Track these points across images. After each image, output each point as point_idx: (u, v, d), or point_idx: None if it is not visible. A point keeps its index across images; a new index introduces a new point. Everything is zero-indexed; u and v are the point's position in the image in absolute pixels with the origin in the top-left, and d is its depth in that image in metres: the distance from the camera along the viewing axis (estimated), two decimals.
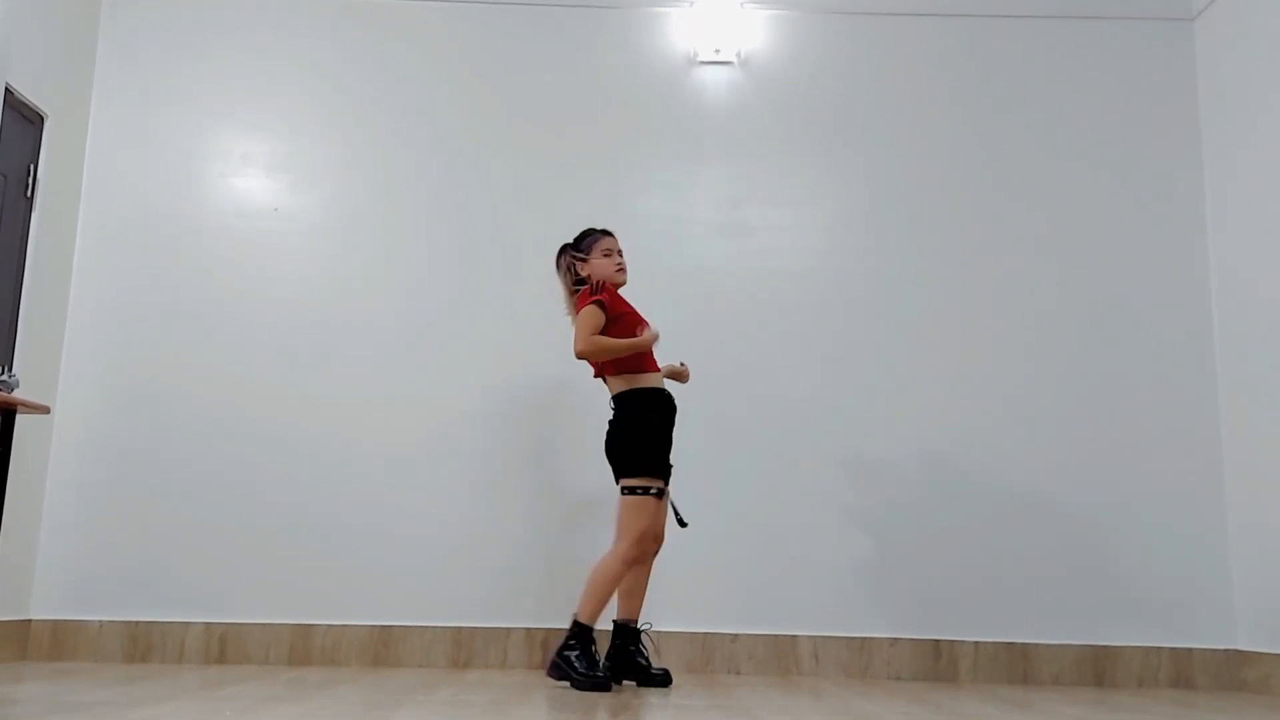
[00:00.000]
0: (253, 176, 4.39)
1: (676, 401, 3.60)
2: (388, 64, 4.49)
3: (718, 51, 4.48)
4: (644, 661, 3.56)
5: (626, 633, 3.57)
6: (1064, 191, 4.40)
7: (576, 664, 3.38)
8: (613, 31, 4.52)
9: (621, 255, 3.68)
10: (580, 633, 3.42)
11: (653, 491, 3.44)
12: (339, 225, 4.37)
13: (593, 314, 3.47)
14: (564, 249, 3.72)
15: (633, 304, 3.70)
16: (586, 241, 3.67)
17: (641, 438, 3.47)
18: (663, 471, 3.49)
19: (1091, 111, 4.45)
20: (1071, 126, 4.44)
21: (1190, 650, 4.05)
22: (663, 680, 3.51)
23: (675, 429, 3.58)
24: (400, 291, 4.32)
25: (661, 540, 3.56)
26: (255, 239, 4.34)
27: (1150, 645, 4.05)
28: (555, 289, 4.12)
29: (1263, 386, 3.98)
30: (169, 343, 4.24)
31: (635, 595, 3.57)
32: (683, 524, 3.53)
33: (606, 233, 3.70)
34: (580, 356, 3.48)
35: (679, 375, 3.76)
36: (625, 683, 3.54)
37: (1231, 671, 4.02)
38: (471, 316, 4.30)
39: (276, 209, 4.37)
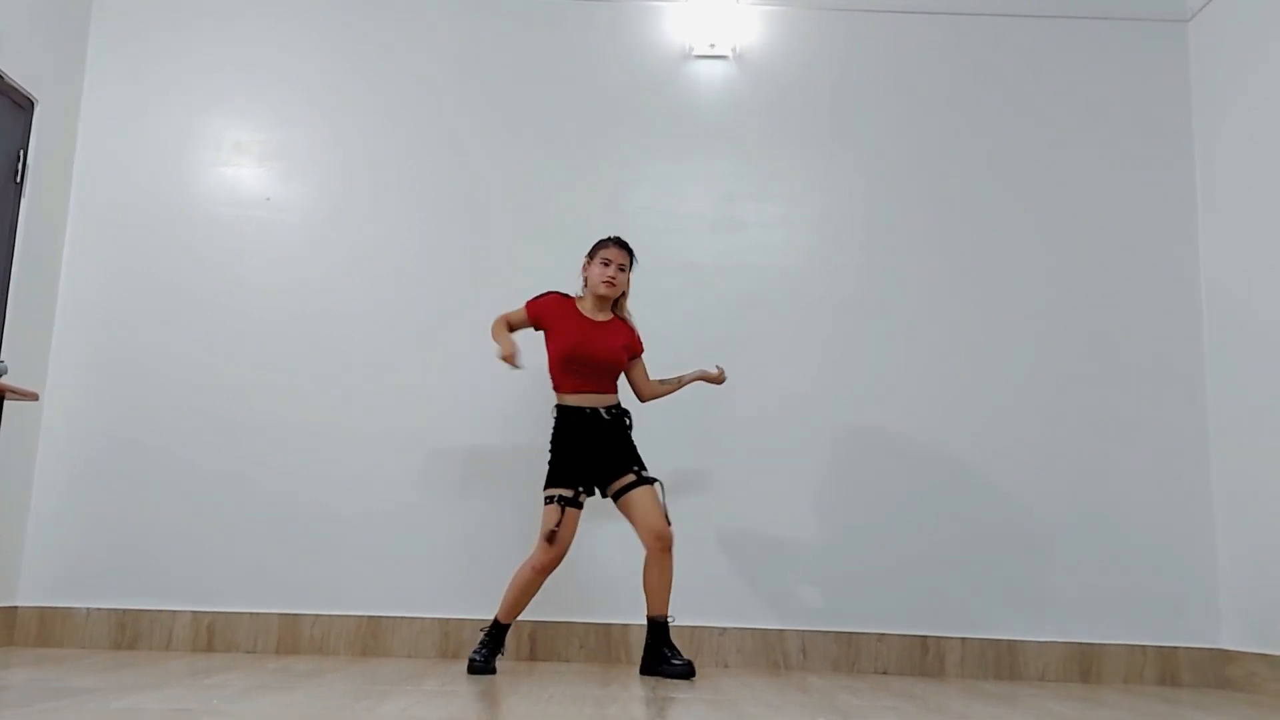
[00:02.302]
0: (244, 165, 4.38)
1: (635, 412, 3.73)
2: (382, 56, 4.47)
3: (713, 46, 4.48)
4: (667, 652, 3.57)
5: (657, 627, 3.59)
6: (1056, 191, 4.41)
7: (476, 650, 3.58)
8: (608, 25, 4.51)
9: (622, 270, 3.72)
10: (493, 628, 3.62)
11: (555, 499, 3.55)
12: (331, 215, 4.36)
13: (517, 310, 3.74)
14: None
15: (627, 301, 3.73)
16: (597, 245, 3.77)
17: (552, 452, 3.64)
18: (565, 481, 3.56)
19: (1085, 112, 4.46)
20: (1064, 126, 4.45)
21: (1176, 648, 4.07)
22: (683, 672, 3.53)
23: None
24: (392, 282, 4.31)
25: (666, 534, 3.54)
26: (246, 228, 4.33)
27: (1136, 643, 4.07)
28: (547, 281, 4.14)
29: (1250, 388, 4.00)
30: (158, 331, 4.23)
31: (657, 591, 3.58)
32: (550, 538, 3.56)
33: (615, 242, 3.75)
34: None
35: (712, 379, 3.81)
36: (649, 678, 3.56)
37: (1216, 670, 4.04)
38: (463, 308, 4.28)
39: (268, 198, 4.36)
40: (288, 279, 4.29)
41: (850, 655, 4.06)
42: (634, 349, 3.77)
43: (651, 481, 3.61)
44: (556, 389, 3.71)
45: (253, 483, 4.14)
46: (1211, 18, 4.37)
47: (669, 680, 3.49)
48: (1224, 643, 4.06)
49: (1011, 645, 4.07)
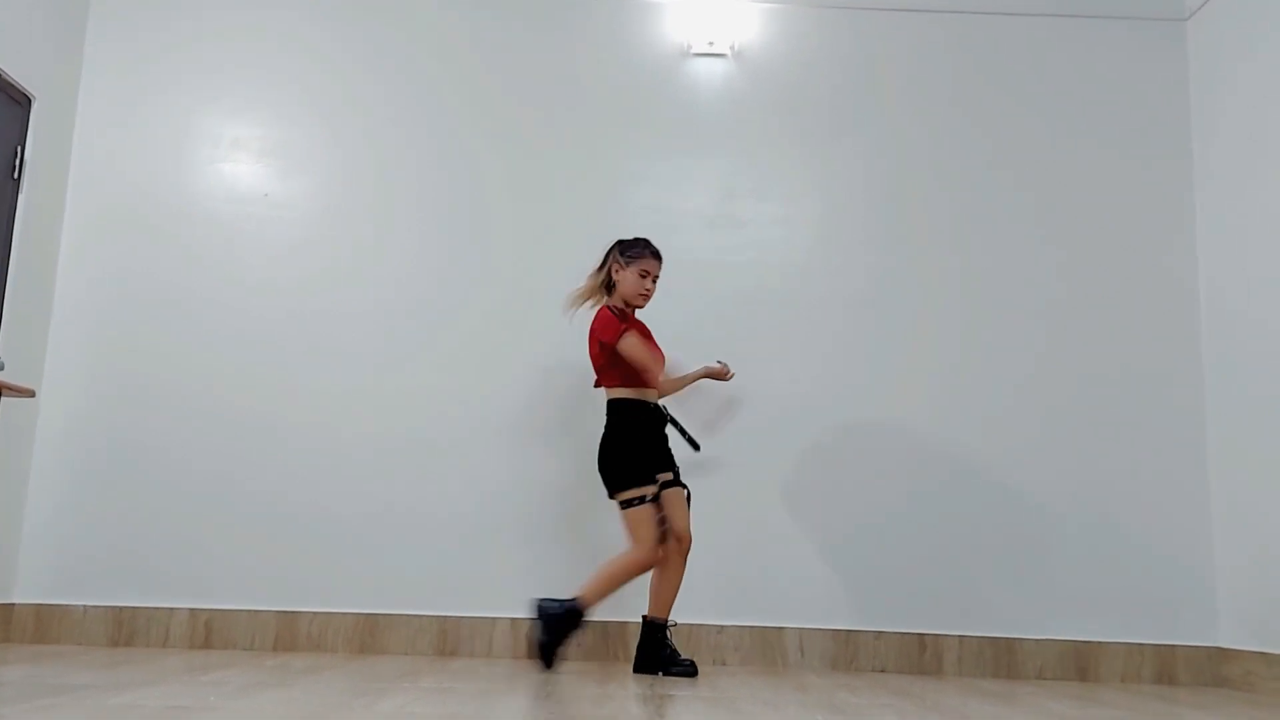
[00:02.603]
0: (243, 162, 4.37)
1: (667, 410, 3.74)
2: (380, 53, 4.47)
3: (711, 44, 4.47)
4: (669, 652, 3.60)
5: (654, 628, 3.61)
6: (1055, 190, 4.41)
7: (549, 632, 3.42)
8: (606, 22, 4.51)
9: (655, 283, 3.72)
10: (570, 611, 3.44)
11: (647, 499, 3.49)
12: (329, 212, 4.35)
13: (635, 342, 3.54)
14: (618, 242, 3.74)
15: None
16: (635, 251, 3.70)
17: (626, 448, 3.55)
18: (650, 478, 3.53)
19: (1083, 110, 4.46)
20: (1063, 124, 4.45)
21: (1173, 647, 4.07)
22: (689, 670, 3.56)
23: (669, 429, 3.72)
24: (390, 281, 4.30)
25: (687, 538, 3.61)
26: (244, 225, 4.32)
27: (1133, 642, 4.07)
28: (545, 279, 4.15)
29: (1248, 387, 4.00)
30: (156, 328, 4.22)
31: (664, 594, 3.60)
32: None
33: (656, 255, 3.72)
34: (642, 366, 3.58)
35: (718, 374, 3.88)
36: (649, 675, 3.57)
37: (1213, 668, 4.04)
38: (461, 305, 4.29)
39: (266, 195, 4.35)
40: (285, 276, 4.29)
41: (848, 653, 4.06)
42: None
43: (684, 486, 3.66)
44: (620, 385, 3.60)
45: (250, 480, 4.13)
46: (1210, 16, 4.37)
47: (667, 679, 3.49)
48: (1221, 641, 4.07)
49: (1009, 643, 4.07)
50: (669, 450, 3.69)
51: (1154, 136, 4.45)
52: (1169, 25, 4.52)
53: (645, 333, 3.73)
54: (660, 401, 3.72)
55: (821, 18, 4.53)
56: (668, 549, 3.57)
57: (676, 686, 3.29)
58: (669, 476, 3.65)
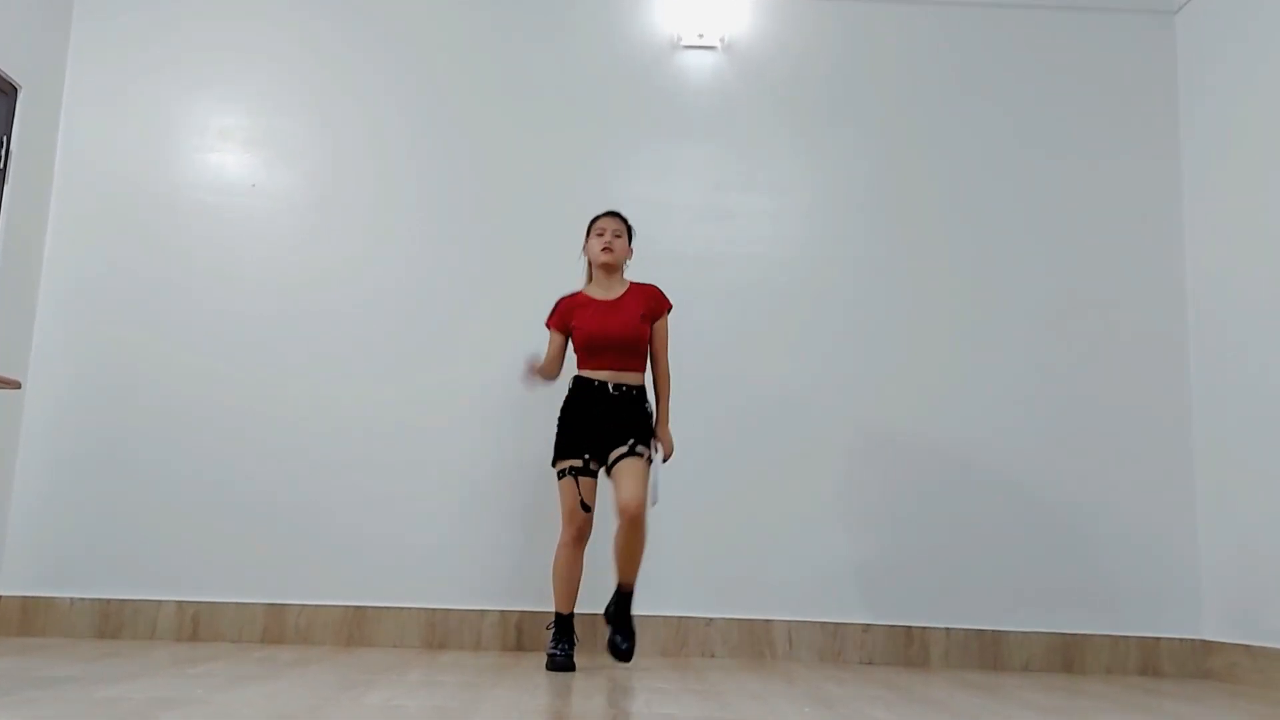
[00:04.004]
0: (229, 152, 4.35)
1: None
2: (369, 44, 4.45)
3: (701, 36, 4.47)
4: (619, 634, 3.61)
5: (617, 592, 3.63)
6: (1043, 183, 4.42)
7: (555, 646, 3.52)
8: (596, 14, 4.50)
9: (618, 237, 3.69)
10: (555, 622, 3.57)
11: (565, 473, 3.53)
12: (317, 204, 4.33)
13: (550, 340, 3.68)
14: None
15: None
16: (589, 223, 3.75)
17: (558, 424, 3.61)
18: (570, 452, 3.53)
19: (1072, 103, 4.47)
20: (1051, 117, 4.46)
21: (1158, 639, 4.10)
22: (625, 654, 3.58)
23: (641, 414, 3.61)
24: (375, 273, 4.29)
25: (625, 510, 3.45)
26: (231, 216, 4.30)
27: (1119, 634, 4.10)
28: (532, 271, 4.15)
29: (1233, 382, 4.03)
30: (142, 318, 4.21)
31: (615, 559, 3.55)
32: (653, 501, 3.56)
33: (606, 214, 3.75)
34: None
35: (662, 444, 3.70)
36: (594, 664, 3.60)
37: (1197, 661, 4.07)
38: (450, 299, 4.28)
39: (253, 185, 4.33)
40: (273, 269, 4.27)
41: (836, 645, 4.07)
42: (656, 312, 3.68)
43: (642, 455, 3.51)
44: (577, 366, 3.65)
45: (238, 472, 4.12)
46: (1199, 10, 4.38)
47: (619, 663, 3.58)
48: (1205, 634, 4.10)
49: (995, 636, 4.09)
50: (626, 428, 3.52)
51: (1142, 130, 4.46)
52: (1158, 19, 4.53)
53: (592, 311, 3.62)
54: (610, 383, 3.56)
55: (811, 10, 4.53)
56: (574, 527, 3.52)
57: (665, 679, 3.30)
58: (622, 450, 3.49)
